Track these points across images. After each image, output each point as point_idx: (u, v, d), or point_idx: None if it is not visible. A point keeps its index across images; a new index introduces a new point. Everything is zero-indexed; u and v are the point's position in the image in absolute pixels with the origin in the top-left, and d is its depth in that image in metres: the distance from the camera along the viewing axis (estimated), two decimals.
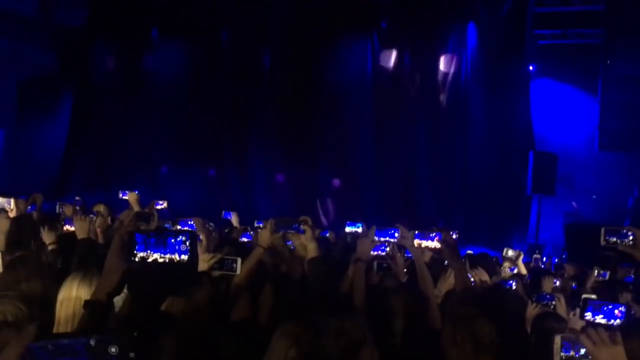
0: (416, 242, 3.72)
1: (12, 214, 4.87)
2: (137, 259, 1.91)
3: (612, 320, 2.79)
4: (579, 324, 3.39)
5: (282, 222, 3.99)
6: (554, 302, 4.23)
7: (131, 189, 6.69)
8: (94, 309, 1.94)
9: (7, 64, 14.85)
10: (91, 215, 4.40)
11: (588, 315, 2.81)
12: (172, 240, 1.90)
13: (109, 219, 5.63)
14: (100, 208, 6.15)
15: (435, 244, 3.67)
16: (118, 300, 2.42)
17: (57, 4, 15.76)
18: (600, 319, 2.76)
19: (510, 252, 7.16)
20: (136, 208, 6.01)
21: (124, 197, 6.42)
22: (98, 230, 4.67)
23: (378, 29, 13.41)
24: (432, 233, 3.70)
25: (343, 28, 13.45)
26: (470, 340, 2.22)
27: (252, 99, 14.09)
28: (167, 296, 2.55)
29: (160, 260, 1.90)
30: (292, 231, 3.95)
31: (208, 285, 2.76)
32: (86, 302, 1.97)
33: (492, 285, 3.84)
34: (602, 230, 3.07)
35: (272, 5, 13.82)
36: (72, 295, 2.57)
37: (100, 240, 4.58)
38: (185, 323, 2.48)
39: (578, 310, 3.45)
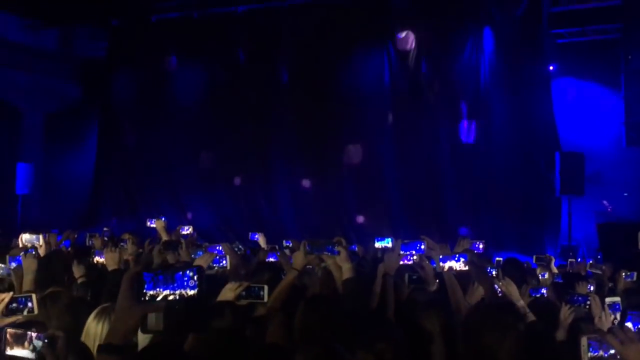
0: (441, 265, 3.72)
1: (41, 250, 4.95)
2: (147, 298, 1.92)
3: None
4: (607, 326, 3.33)
5: (316, 245, 3.98)
6: (588, 303, 4.16)
7: (158, 216, 6.78)
8: (108, 352, 1.95)
9: (32, 98, 15.25)
10: (121, 244, 4.47)
11: (629, 325, 2.75)
12: (181, 275, 1.91)
13: (136, 246, 5.69)
14: (127, 237, 6.22)
15: (461, 265, 3.66)
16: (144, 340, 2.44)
17: (77, 36, 16.15)
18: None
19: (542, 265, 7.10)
20: (164, 235, 6.08)
21: (152, 225, 6.49)
22: (130, 258, 4.73)
23: (393, 39, 13.42)
24: (458, 254, 3.70)
25: (359, 39, 13.47)
26: None
27: (272, 115, 14.18)
28: (183, 333, 2.53)
29: (171, 297, 1.91)
30: (326, 253, 3.93)
31: (228, 317, 2.75)
32: (100, 346, 1.99)
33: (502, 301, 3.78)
34: (639, 235, 3.01)
35: (285, 20, 13.93)
36: (92, 329, 2.60)
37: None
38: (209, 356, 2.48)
39: (604, 313, 3.39)
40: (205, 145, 14.63)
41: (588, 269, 7.69)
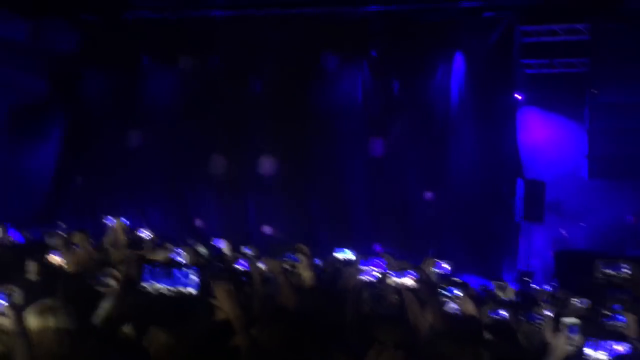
0: (393, 280, 3.74)
1: None
2: (143, 289, 1.89)
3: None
4: (562, 348, 3.39)
5: (276, 250, 3.96)
6: (542, 322, 4.26)
7: (119, 216, 6.63)
8: (99, 334, 1.92)
9: None
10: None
11: (589, 351, 2.80)
12: (178, 273, 1.88)
13: (90, 246, 5.52)
14: (77, 237, 5.97)
15: (410, 282, 3.68)
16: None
17: (48, 29, 15.80)
18: (600, 355, 2.76)
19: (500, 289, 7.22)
20: (121, 236, 5.92)
21: (110, 225, 6.33)
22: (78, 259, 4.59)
23: (368, 58, 13.55)
24: (408, 270, 3.72)
25: (333, 57, 13.57)
26: None
27: (243, 122, 14.12)
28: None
29: (168, 292, 1.89)
30: (287, 259, 3.91)
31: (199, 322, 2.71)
32: (92, 328, 1.95)
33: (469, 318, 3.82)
34: (597, 262, 3.08)
35: (262, 31, 13.94)
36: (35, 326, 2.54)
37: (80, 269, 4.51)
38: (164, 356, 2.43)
39: (560, 334, 3.45)
40: (173, 148, 14.44)
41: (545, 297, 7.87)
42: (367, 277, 4.31)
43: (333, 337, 3.62)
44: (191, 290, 1.90)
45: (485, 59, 12.67)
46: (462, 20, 12.84)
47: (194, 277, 1.90)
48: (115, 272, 3.56)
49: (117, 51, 14.72)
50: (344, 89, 13.60)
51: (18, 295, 2.30)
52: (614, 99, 12.25)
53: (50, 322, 2.59)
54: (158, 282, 1.90)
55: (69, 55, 15.45)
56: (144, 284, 1.89)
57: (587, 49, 12.59)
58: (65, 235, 6.24)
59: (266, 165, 13.76)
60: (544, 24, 12.73)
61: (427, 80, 13.16)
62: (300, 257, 3.81)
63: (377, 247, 12.04)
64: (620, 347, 2.73)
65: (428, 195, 12.82)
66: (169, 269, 1.90)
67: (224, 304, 3.00)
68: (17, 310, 2.29)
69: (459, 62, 12.93)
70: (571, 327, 3.50)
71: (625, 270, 2.98)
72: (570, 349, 3.41)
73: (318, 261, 7.32)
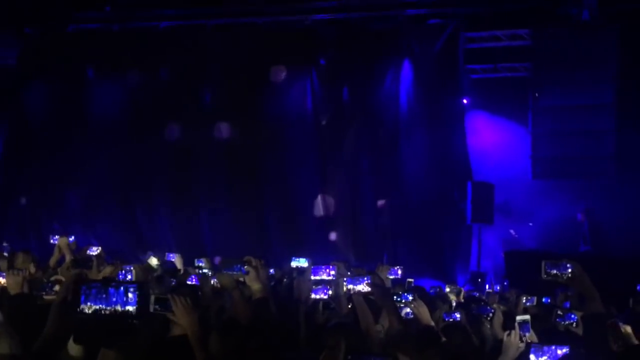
0: (348, 287, 3.76)
1: None
2: (80, 310, 1.85)
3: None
4: (514, 345, 3.48)
5: (225, 263, 3.92)
6: (491, 314, 4.37)
7: (64, 234, 6.43)
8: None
9: None
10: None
11: (533, 357, 2.88)
12: (114, 291, 1.85)
13: (33, 267, 5.34)
14: (20, 258, 5.76)
15: (366, 288, 3.71)
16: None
17: None
18: None
19: (452, 292, 7.37)
20: (68, 254, 5.75)
21: (55, 243, 6.14)
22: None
23: (317, 66, 13.62)
24: (363, 277, 3.75)
25: (282, 65, 13.57)
26: None
27: (192, 133, 13.95)
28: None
29: (104, 312, 1.85)
30: (236, 272, 3.87)
31: (145, 336, 2.66)
32: (31, 354, 1.89)
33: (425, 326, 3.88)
34: (543, 263, 3.17)
35: (210, 42, 13.83)
36: None
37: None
38: None
39: (513, 332, 3.54)
40: (121, 162, 14.12)
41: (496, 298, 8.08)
42: (320, 293, 4.30)
43: (286, 347, 3.62)
44: (130, 308, 1.85)
45: (432, 65, 12.91)
46: (408, 28, 13.06)
47: (131, 295, 1.86)
48: (64, 279, 3.46)
49: (61, 63, 14.36)
50: (293, 97, 13.61)
51: None
52: (555, 102, 12.66)
53: None
54: (94, 302, 1.86)
55: (12, 68, 14.99)
56: (82, 306, 1.85)
57: (529, 54, 12.97)
58: (7, 256, 6.02)
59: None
60: (487, 30, 13.06)
61: (376, 88, 13.30)
62: (249, 269, 3.77)
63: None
64: (562, 351, 2.83)
65: (381, 202, 12.94)
66: (105, 288, 1.86)
67: (181, 318, 2.95)
68: None
69: (407, 69, 13.14)
70: (523, 325, 3.58)
71: (570, 270, 3.08)
72: (522, 346, 3.49)
73: (273, 271, 7.30)
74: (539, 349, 2.91)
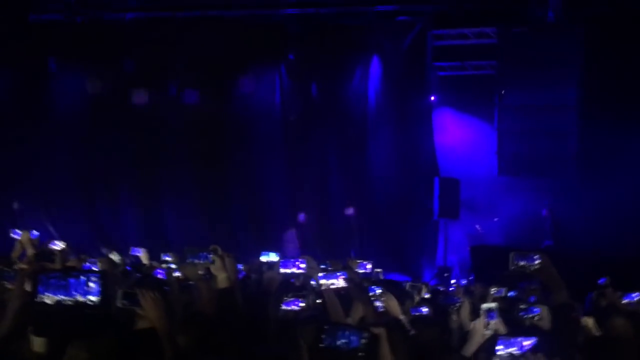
0: (323, 282, 3.76)
1: None
2: (39, 301, 1.78)
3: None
4: (480, 332, 3.53)
5: (191, 251, 3.89)
6: (458, 304, 4.42)
7: (26, 227, 6.26)
8: None
9: None
10: None
11: (500, 348, 2.91)
12: (75, 281, 1.78)
13: None
14: None
15: (341, 282, 3.71)
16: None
17: None
18: (512, 351, 2.88)
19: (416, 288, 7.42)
20: (29, 249, 5.61)
21: (15, 237, 5.98)
22: None
23: (286, 61, 13.57)
24: (338, 272, 3.76)
25: (251, 60, 13.49)
26: None
27: (159, 130, 13.75)
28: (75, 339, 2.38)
29: (65, 302, 1.78)
30: (201, 261, 3.84)
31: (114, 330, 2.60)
32: None
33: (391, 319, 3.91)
34: (511, 254, 3.21)
35: (177, 34, 13.65)
36: None
37: None
38: None
39: (479, 320, 3.59)
40: (83, 154, 13.84)
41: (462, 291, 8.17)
42: (292, 305, 4.28)
43: (254, 340, 3.59)
44: (92, 298, 1.79)
45: (401, 62, 13.00)
46: (378, 24, 13.11)
47: (92, 285, 1.80)
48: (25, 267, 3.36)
49: (22, 54, 13.94)
50: (261, 92, 13.55)
51: None
52: (520, 101, 12.86)
53: None
54: (54, 293, 1.79)
55: None
56: (41, 296, 1.78)
57: (495, 53, 13.15)
58: None
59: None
60: (455, 28, 13.19)
61: (345, 84, 13.34)
62: (214, 258, 3.73)
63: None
64: (528, 342, 2.88)
65: (349, 210, 12.95)
66: (65, 278, 1.79)
67: (150, 312, 2.90)
68: None
69: (375, 65, 13.19)
70: (489, 312, 3.63)
71: (537, 261, 3.13)
72: (488, 332, 3.54)
73: (241, 266, 7.25)
74: (506, 340, 2.95)
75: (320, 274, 3.80)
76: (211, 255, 3.77)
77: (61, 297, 1.78)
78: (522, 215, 12.80)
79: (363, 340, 2.22)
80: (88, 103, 13.91)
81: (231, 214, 13.36)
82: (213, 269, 3.77)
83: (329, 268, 4.88)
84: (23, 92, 14.09)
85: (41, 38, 13.94)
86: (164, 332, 3.01)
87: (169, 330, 3.06)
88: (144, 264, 6.85)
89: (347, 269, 3.72)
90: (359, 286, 3.70)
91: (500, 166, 12.84)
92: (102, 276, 1.81)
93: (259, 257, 6.71)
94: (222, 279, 3.74)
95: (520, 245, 10.66)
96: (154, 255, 8.07)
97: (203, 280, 4.13)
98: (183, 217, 13.33)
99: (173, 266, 5.93)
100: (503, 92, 12.79)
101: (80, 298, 1.79)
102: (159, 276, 5.56)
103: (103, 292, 1.79)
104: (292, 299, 4.26)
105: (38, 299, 1.77)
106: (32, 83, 14.10)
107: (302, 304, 4.34)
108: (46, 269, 1.83)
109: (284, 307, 4.18)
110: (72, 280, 1.79)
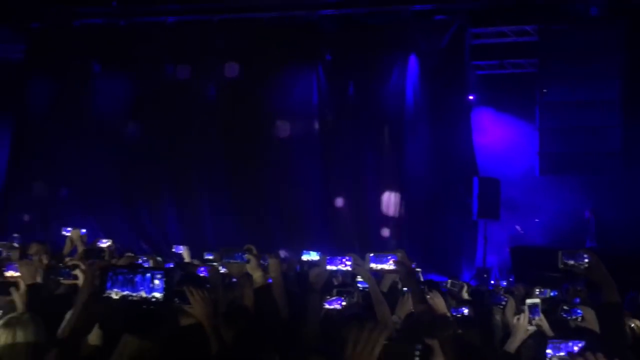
0: (373, 265, 3.70)
1: None
2: (107, 296, 1.85)
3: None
4: (523, 328, 3.49)
5: (226, 252, 3.94)
6: (503, 304, 4.38)
7: (74, 226, 6.46)
8: (65, 346, 1.87)
9: None
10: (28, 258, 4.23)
11: (549, 352, 2.89)
12: (141, 278, 1.85)
13: (46, 257, 5.38)
14: (34, 249, 5.82)
15: (390, 265, 3.66)
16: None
17: None
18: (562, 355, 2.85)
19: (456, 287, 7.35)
20: (80, 245, 5.79)
21: (67, 234, 6.18)
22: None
23: (323, 62, 13.62)
24: (388, 256, 3.67)
25: (288, 61, 13.58)
26: None
27: (198, 131, 13.97)
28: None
29: (131, 298, 1.85)
30: (237, 261, 3.89)
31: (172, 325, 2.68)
32: (55, 341, 1.90)
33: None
34: (560, 253, 3.17)
35: (216, 37, 13.83)
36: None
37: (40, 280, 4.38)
38: None
39: (523, 315, 3.55)
40: (125, 157, 14.16)
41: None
42: (334, 304, 4.27)
43: (295, 338, 3.62)
44: (156, 294, 1.86)
45: (438, 62, 12.89)
46: (414, 23, 13.03)
47: (157, 282, 1.86)
48: (81, 265, 3.47)
49: (67, 58, 14.38)
50: (299, 93, 13.61)
51: None
52: (562, 98, 12.61)
53: (19, 336, 2.52)
54: (121, 289, 1.86)
55: (18, 63, 15.03)
56: (108, 292, 1.85)
57: (535, 50, 12.93)
58: (20, 248, 6.05)
59: None
60: (493, 26, 13.03)
61: (382, 83, 13.29)
62: (249, 257, 3.78)
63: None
64: (578, 347, 2.84)
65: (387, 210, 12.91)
66: (131, 275, 1.86)
67: (197, 309, 2.98)
68: None
69: (413, 64, 13.12)
70: (533, 308, 3.59)
71: (586, 260, 3.08)
72: (531, 328, 3.50)
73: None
74: (556, 345, 2.92)
75: (371, 254, 3.73)
76: (246, 255, 3.81)
77: (127, 292, 1.85)
78: (563, 215, 12.57)
79: (417, 353, 2.22)
80: (129, 105, 14.23)
81: (268, 213, 13.46)
82: (248, 268, 3.82)
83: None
84: (68, 94, 14.51)
85: (85, 42, 14.34)
86: (211, 328, 3.07)
87: (216, 326, 3.12)
88: (187, 262, 6.98)
89: (398, 252, 3.62)
90: (409, 270, 3.65)
91: (541, 165, 12.61)
92: (166, 274, 1.88)
93: (295, 255, 6.76)
94: (257, 277, 3.79)
95: (562, 246, 10.46)
96: (194, 254, 8.23)
97: (246, 277, 4.19)
98: (221, 216, 13.49)
99: (215, 264, 6.02)
100: (545, 90, 12.57)
101: (145, 294, 1.85)
102: (202, 274, 5.65)
103: (166, 289, 1.86)
104: (334, 297, 4.28)
105: (105, 295, 1.85)
106: (76, 86, 14.50)
107: (344, 303, 4.36)
108: (113, 266, 1.90)
109: (326, 305, 4.20)
110: (138, 277, 1.86)
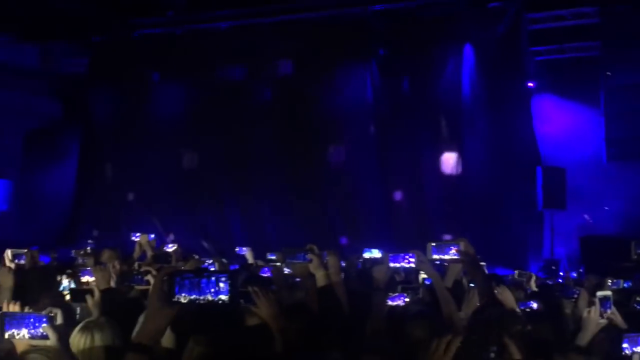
0: (435, 256, 3.61)
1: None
2: (175, 301, 1.91)
3: None
4: (595, 321, 3.37)
5: (288, 252, 3.97)
6: (575, 296, 4.23)
7: (141, 231, 6.68)
8: (139, 350, 1.94)
9: (12, 115, 15.05)
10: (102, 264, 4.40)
11: (626, 347, 2.79)
12: (206, 282, 1.89)
13: (117, 262, 5.58)
14: (106, 255, 6.05)
15: (453, 256, 3.53)
16: None
17: (57, 52, 16.02)
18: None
19: (524, 277, 7.17)
20: (149, 250, 5.99)
21: (136, 240, 6.40)
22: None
23: (376, 57, 13.55)
24: (450, 245, 3.55)
25: (341, 58, 13.59)
26: None
27: (254, 131, 14.18)
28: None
29: (198, 302, 1.90)
30: (299, 261, 3.91)
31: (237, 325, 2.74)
32: (131, 345, 1.97)
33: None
34: (632, 244, 3.06)
35: (269, 37, 14.00)
36: (75, 343, 2.58)
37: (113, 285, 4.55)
38: None
39: (594, 308, 3.43)
40: (186, 162, 14.53)
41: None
42: (397, 300, 4.22)
43: (358, 336, 3.62)
44: (222, 297, 1.90)
45: (495, 50, 12.60)
46: (468, 13, 12.78)
47: (222, 285, 1.90)
48: (153, 271, 3.59)
49: (128, 69, 14.89)
50: (353, 89, 13.60)
51: (59, 316, 2.35)
52: (628, 81, 12.09)
53: (97, 339, 2.65)
54: (188, 293, 1.91)
55: (80, 76, 15.67)
56: (177, 296, 1.91)
57: (597, 32, 12.44)
58: (93, 254, 6.30)
59: None
60: (551, 10, 12.61)
61: (438, 76, 13.11)
62: (312, 257, 3.79)
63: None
64: None
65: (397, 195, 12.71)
66: (197, 279, 1.91)
67: (262, 309, 3.02)
68: (59, 331, 2.33)
69: (468, 54, 12.88)
70: (604, 301, 3.46)
71: None
72: (603, 322, 3.38)
73: (343, 263, 7.33)
74: (633, 339, 2.81)
75: (433, 244, 3.64)
76: (308, 255, 3.83)
77: (195, 296, 1.90)
78: (635, 202, 12.03)
79: (492, 356, 2.18)
80: (189, 110, 14.59)
81: (328, 212, 13.51)
82: (311, 267, 3.83)
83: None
84: (130, 103, 15.04)
85: (144, 52, 14.81)
86: (276, 327, 3.11)
87: (281, 326, 3.16)
88: (250, 263, 7.09)
89: (461, 241, 3.50)
90: (473, 259, 3.53)
91: (609, 152, 12.12)
92: (230, 276, 1.92)
93: (355, 253, 6.76)
94: (320, 277, 3.80)
95: (635, 235, 10.04)
96: (257, 254, 8.36)
97: (308, 277, 4.22)
98: (282, 216, 13.64)
99: (279, 264, 6.10)
100: (609, 73, 12.07)
101: (211, 297, 1.90)
102: (265, 274, 5.74)
103: (231, 292, 1.90)
104: (397, 294, 4.25)
105: (175, 299, 1.90)
106: (137, 95, 15.00)
107: (407, 299, 4.32)
108: (179, 271, 1.95)
109: (389, 302, 4.18)
110: (204, 281, 1.90)
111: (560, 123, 13.38)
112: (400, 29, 13.23)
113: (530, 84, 13.06)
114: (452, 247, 3.54)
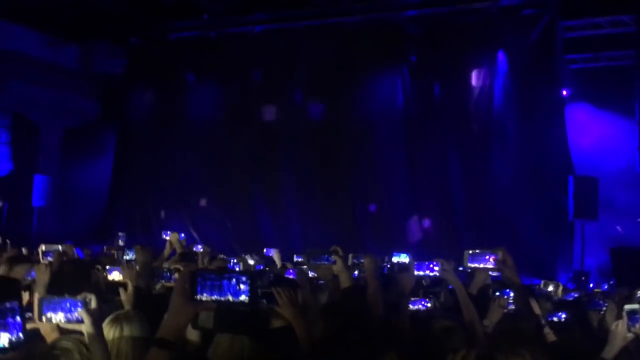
0: (470, 265, 3.60)
1: (57, 262, 4.99)
2: (197, 300, 1.97)
3: None
4: (622, 335, 3.34)
5: (313, 254, 4.02)
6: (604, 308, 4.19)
7: (172, 230, 6.84)
8: (161, 347, 2.02)
9: (51, 113, 15.51)
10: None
11: None
12: (227, 283, 1.94)
13: (150, 261, 5.71)
14: (138, 253, 6.17)
15: (490, 265, 3.49)
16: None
17: (97, 53, 16.44)
18: None
19: (551, 287, 7.09)
20: (178, 248, 6.13)
21: (167, 238, 6.56)
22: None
23: (407, 63, 13.55)
24: (487, 254, 3.54)
25: (373, 63, 13.63)
26: None
27: (286, 134, 14.31)
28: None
29: (220, 302, 1.95)
30: (324, 263, 3.96)
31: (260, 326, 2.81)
32: (154, 340, 2.05)
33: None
34: None
35: (301, 41, 14.12)
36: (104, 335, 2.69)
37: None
38: None
39: (621, 321, 3.40)
40: (218, 164, 14.74)
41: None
42: (418, 305, 4.24)
43: (385, 340, 3.67)
44: (243, 298, 1.96)
45: (528, 57, 12.49)
46: (501, 20, 12.70)
47: (243, 286, 1.96)
48: (181, 269, 3.70)
49: (165, 70, 15.20)
50: (384, 94, 13.63)
51: (94, 301, 2.46)
52: None
53: (126, 330, 2.77)
54: (210, 293, 1.98)
55: (118, 76, 16.04)
56: (199, 296, 1.97)
57: (632, 41, 12.23)
58: (122, 243, 6.47)
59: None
60: (586, 18, 12.46)
61: (469, 82, 13.05)
62: (336, 258, 3.85)
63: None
64: None
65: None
66: (218, 279, 1.97)
67: (286, 311, 3.10)
68: (94, 315, 2.44)
69: (501, 61, 12.79)
70: (632, 314, 3.42)
71: None
72: (630, 336, 3.35)
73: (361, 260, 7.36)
74: None
75: (469, 252, 3.64)
76: (332, 256, 3.88)
77: (216, 297, 1.95)
78: None
79: None
80: (222, 112, 14.81)
81: (354, 215, 13.56)
82: (335, 269, 3.88)
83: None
84: (165, 104, 15.35)
85: (180, 54, 15.11)
86: (302, 330, 3.17)
87: (306, 328, 3.22)
88: (277, 265, 7.18)
89: (499, 250, 3.47)
90: (512, 269, 3.46)
91: None
92: (250, 277, 1.97)
93: (382, 256, 6.78)
94: (344, 278, 3.85)
95: None
96: (285, 256, 8.47)
97: (334, 280, 4.29)
98: (310, 218, 13.72)
99: (305, 267, 6.17)
100: None
101: (232, 298, 1.95)
102: (290, 276, 5.82)
103: (251, 292, 1.95)
104: (418, 298, 4.28)
105: (196, 298, 1.97)
106: (173, 96, 15.30)
107: (429, 304, 4.34)
108: (202, 271, 2.03)
109: (410, 306, 4.21)
110: (225, 282, 1.96)
111: (593, 132, 13.17)
112: (433, 35, 13.21)
113: (564, 92, 12.89)
114: (490, 256, 3.50)
